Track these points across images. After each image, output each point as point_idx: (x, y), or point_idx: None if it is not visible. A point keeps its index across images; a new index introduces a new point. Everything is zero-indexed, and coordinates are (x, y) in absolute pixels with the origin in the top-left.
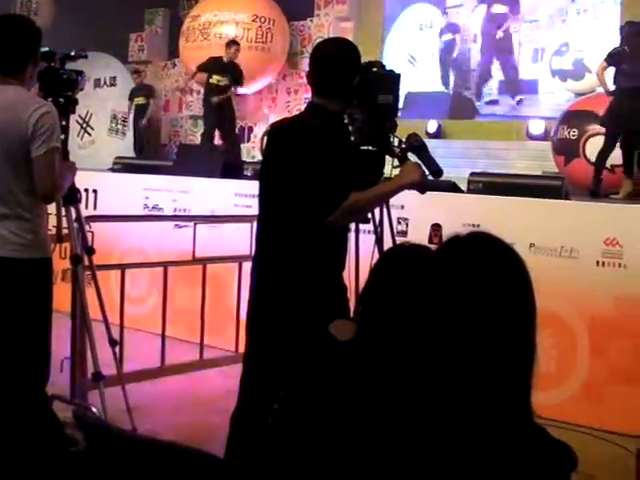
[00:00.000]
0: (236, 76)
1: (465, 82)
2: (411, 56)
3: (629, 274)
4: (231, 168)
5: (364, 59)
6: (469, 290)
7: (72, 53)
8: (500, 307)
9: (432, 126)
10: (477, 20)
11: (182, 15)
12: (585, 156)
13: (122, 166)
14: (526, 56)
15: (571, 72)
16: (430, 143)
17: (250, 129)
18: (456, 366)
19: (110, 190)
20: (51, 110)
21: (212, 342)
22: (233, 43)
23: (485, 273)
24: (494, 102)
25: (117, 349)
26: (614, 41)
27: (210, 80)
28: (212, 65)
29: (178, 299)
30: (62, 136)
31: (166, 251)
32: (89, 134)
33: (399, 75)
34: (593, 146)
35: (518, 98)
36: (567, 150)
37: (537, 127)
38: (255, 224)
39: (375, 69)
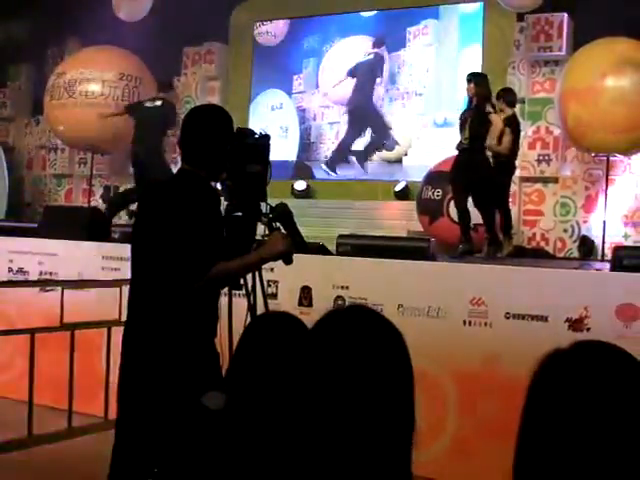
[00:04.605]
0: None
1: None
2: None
3: (494, 333)
4: (98, 231)
5: (232, 116)
6: (350, 363)
7: None
8: (381, 377)
9: (300, 185)
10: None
11: (47, 72)
12: (449, 215)
13: None
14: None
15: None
16: (298, 202)
17: (116, 189)
18: (335, 436)
19: None
20: None
21: (81, 409)
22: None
23: (365, 345)
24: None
25: None
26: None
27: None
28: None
29: (45, 365)
30: None
31: (32, 315)
32: None
33: (268, 145)
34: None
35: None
36: (431, 210)
37: (402, 187)
38: (123, 288)
39: (245, 137)
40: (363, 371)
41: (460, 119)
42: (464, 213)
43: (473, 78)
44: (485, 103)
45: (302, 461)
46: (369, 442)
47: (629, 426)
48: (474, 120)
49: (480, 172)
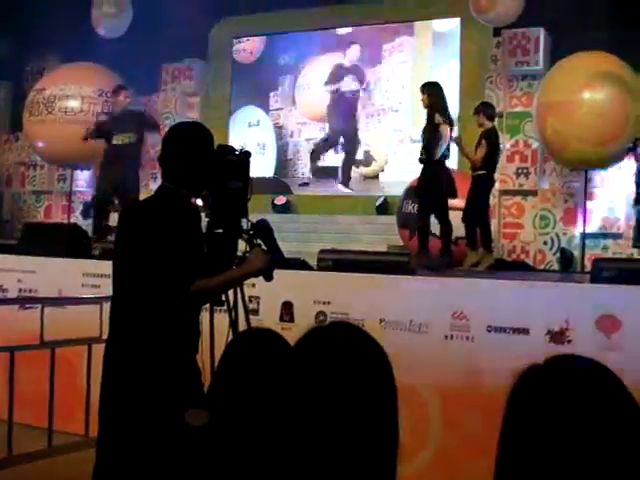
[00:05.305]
0: (145, 124)
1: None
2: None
3: (476, 346)
4: (78, 247)
5: (212, 132)
6: (333, 380)
7: None
8: (364, 393)
9: (279, 200)
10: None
11: (26, 88)
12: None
13: None
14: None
15: (362, 161)
16: (278, 217)
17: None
18: (319, 452)
19: None
20: None
21: (62, 427)
22: (120, 88)
23: (348, 362)
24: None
25: None
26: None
27: (114, 142)
28: (108, 126)
29: (25, 383)
30: None
31: (11, 333)
32: None
33: (249, 161)
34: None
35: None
36: (411, 224)
37: (381, 202)
38: (104, 305)
39: (226, 154)
40: (346, 388)
41: (422, 132)
42: (425, 228)
43: (425, 88)
44: (435, 114)
45: (286, 478)
46: (354, 458)
47: (604, 438)
48: (427, 132)
49: (432, 185)
